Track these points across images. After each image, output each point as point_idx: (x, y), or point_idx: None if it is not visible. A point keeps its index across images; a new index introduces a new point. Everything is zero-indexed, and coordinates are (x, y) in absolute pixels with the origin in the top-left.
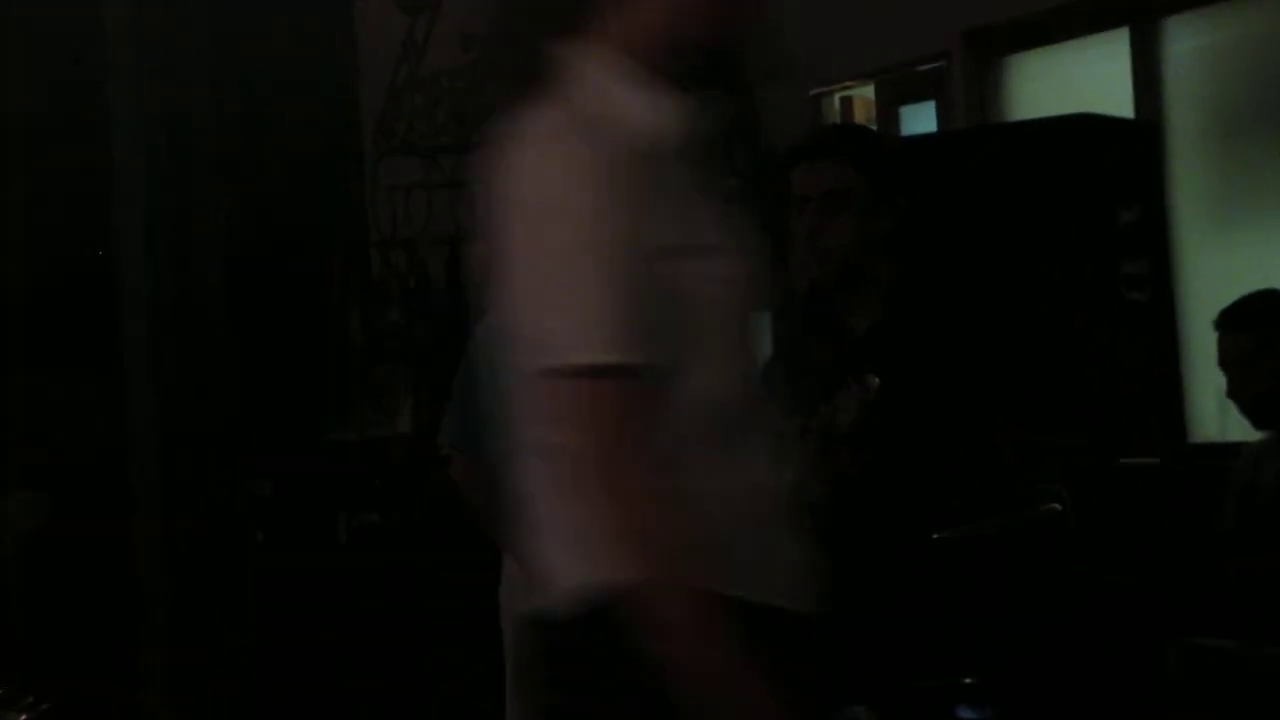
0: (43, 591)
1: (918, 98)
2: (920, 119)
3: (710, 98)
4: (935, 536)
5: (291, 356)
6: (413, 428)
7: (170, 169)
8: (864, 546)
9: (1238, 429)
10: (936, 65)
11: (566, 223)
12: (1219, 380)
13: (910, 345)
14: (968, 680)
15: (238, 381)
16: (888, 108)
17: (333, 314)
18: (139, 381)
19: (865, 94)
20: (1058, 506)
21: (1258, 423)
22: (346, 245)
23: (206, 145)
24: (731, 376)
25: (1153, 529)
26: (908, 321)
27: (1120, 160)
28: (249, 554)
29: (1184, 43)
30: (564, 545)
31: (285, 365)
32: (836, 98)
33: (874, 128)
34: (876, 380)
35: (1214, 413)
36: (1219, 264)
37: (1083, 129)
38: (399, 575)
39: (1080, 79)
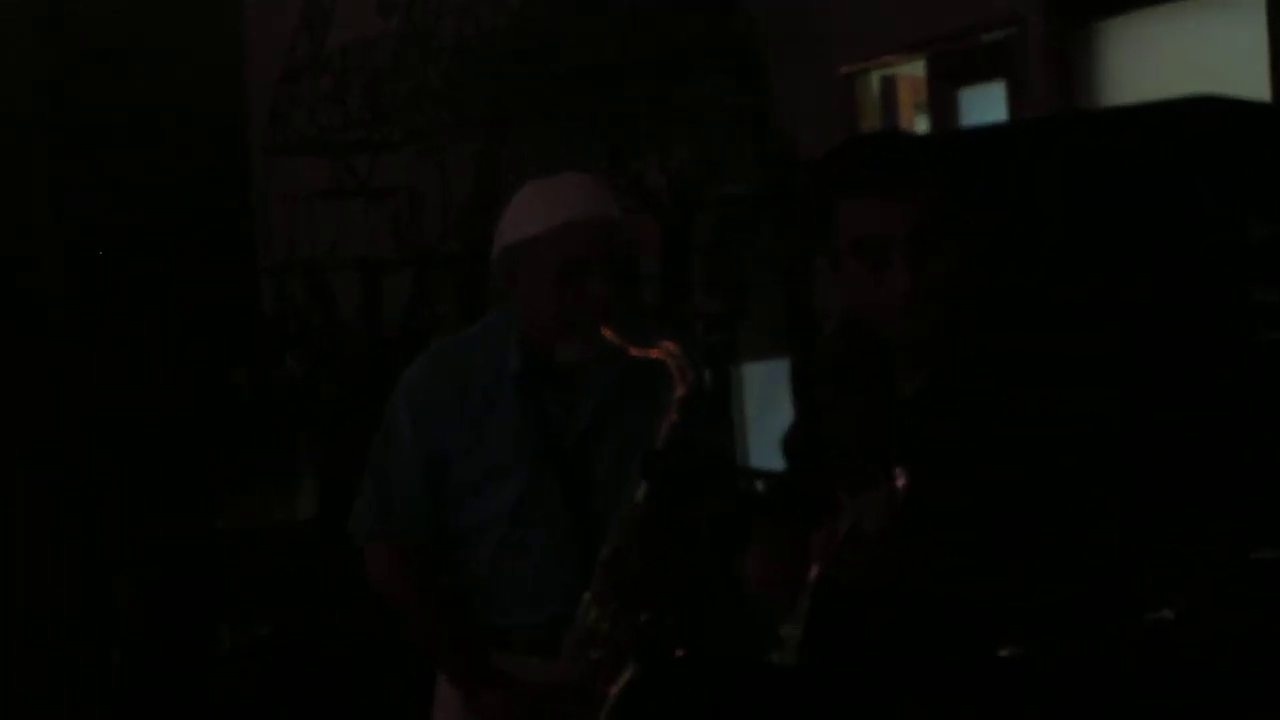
0: None
1: (981, 76)
2: (984, 104)
3: None
4: (1002, 655)
5: (159, 421)
6: (317, 511)
7: None
8: (905, 669)
9: None
10: (1006, 33)
11: None
12: None
13: (973, 409)
14: None
15: (87, 455)
16: (942, 90)
17: (211, 364)
18: None
19: (913, 72)
20: (1169, 614)
21: None
22: (227, 272)
23: (36, 144)
24: None
25: None
26: (971, 379)
27: (1253, 156)
28: (102, 679)
29: None
30: None
31: (151, 432)
32: (876, 77)
33: (926, 120)
34: (904, 479)
35: None
36: None
37: (1203, 116)
38: (298, 705)
39: (1199, 50)
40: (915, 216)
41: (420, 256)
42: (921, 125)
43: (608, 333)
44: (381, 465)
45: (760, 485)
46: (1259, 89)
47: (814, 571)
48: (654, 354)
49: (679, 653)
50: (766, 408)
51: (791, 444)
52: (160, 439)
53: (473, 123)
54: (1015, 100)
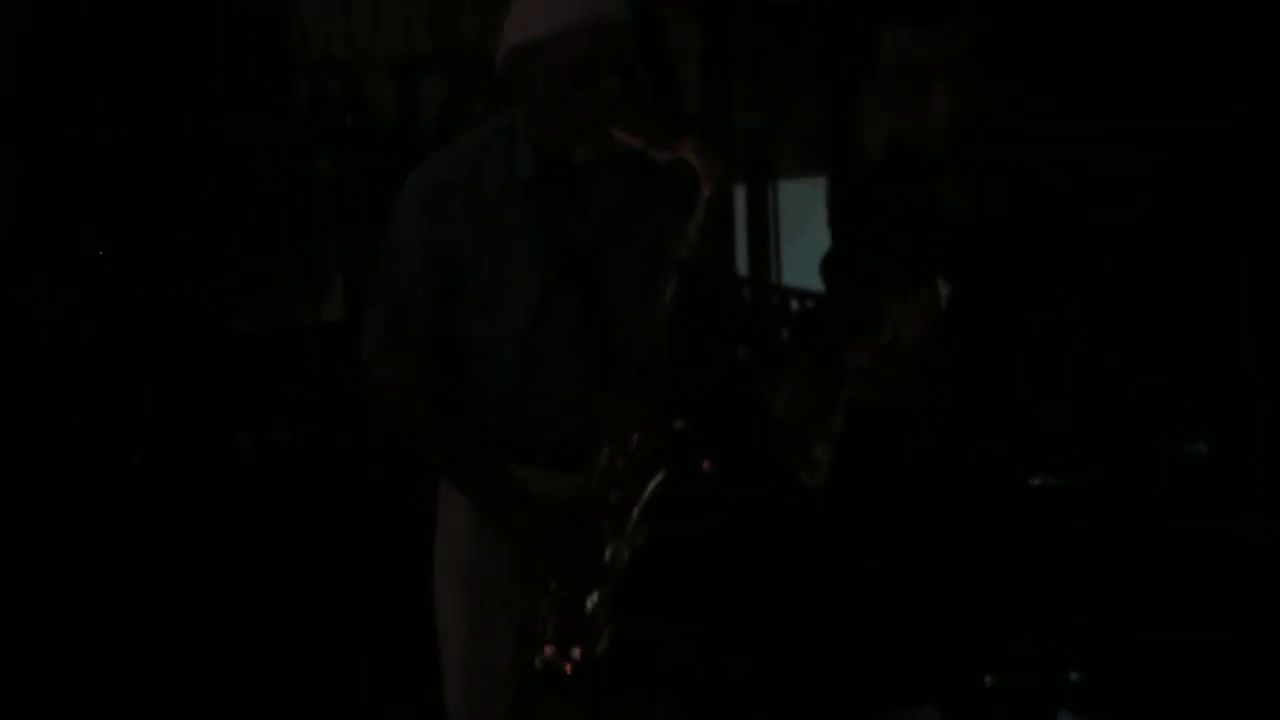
0: None
1: None
2: None
3: None
4: (1033, 483)
5: (182, 220)
6: (345, 314)
7: None
8: (934, 495)
9: None
10: None
11: None
12: None
13: (1017, 232)
14: (1072, 676)
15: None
16: None
17: (238, 162)
18: None
19: None
20: (1203, 447)
21: None
22: (257, 66)
23: None
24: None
25: None
26: (1015, 202)
27: None
28: (120, 485)
29: None
30: None
31: (173, 231)
32: None
33: None
34: (946, 289)
35: None
36: None
37: None
38: (318, 510)
39: None
40: (956, 44)
41: (456, 57)
42: None
43: (620, 132)
44: (391, 274)
45: (794, 304)
46: None
47: (849, 392)
48: (677, 153)
49: (706, 464)
50: (801, 226)
51: (831, 266)
52: (187, 237)
53: None
54: None
